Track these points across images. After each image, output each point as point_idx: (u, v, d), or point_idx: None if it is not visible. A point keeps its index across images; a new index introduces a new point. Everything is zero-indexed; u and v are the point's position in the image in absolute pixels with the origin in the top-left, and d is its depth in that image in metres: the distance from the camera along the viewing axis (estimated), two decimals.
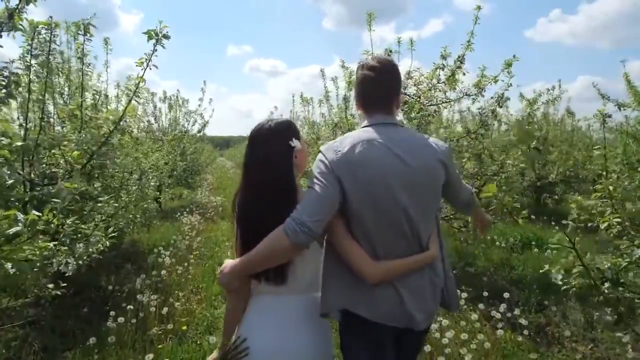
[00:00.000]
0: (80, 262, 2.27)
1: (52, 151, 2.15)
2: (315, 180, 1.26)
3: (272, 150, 1.31)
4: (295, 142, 1.33)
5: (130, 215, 3.94)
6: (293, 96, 7.36)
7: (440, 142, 1.44)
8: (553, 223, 6.95)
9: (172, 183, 9.01)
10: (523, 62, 4.08)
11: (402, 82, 1.75)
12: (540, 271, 1.97)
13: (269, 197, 1.29)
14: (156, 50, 1.96)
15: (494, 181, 4.75)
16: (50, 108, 3.72)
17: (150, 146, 6.55)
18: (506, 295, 3.02)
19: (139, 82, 2.03)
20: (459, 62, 4.29)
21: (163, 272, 4.00)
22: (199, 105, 9.60)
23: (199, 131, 10.11)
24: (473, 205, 1.66)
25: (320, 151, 1.34)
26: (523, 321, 2.82)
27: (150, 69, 1.98)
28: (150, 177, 4.87)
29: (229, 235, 6.80)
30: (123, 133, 2.13)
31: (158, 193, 6.56)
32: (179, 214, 7.59)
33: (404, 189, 1.28)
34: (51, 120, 3.63)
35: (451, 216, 4.50)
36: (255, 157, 1.33)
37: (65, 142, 2.12)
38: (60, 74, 3.25)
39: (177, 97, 9.56)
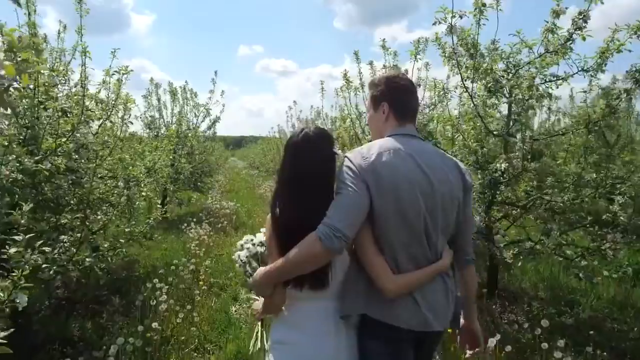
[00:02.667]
0: None
1: None
2: (343, 186, 1.26)
3: (323, 155, 1.35)
4: (337, 150, 1.38)
5: (107, 244, 2.69)
6: (322, 82, 6.25)
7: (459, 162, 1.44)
8: None
9: (178, 188, 7.78)
10: None
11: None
12: None
13: (318, 200, 1.29)
14: None
15: (613, 193, 3.41)
16: None
17: (148, 143, 5.31)
18: None
19: None
20: (581, 21, 2.97)
21: (155, 324, 2.75)
22: (210, 98, 8.28)
23: (209, 128, 8.88)
24: (467, 263, 1.47)
25: (346, 157, 1.34)
26: None
27: None
28: (143, 185, 3.62)
29: None
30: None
31: (159, 202, 5.32)
32: (185, 224, 6.33)
33: (424, 200, 1.29)
34: None
35: (563, 242, 3.17)
36: (310, 163, 1.33)
37: None
38: None
39: (184, 88, 8.31)
